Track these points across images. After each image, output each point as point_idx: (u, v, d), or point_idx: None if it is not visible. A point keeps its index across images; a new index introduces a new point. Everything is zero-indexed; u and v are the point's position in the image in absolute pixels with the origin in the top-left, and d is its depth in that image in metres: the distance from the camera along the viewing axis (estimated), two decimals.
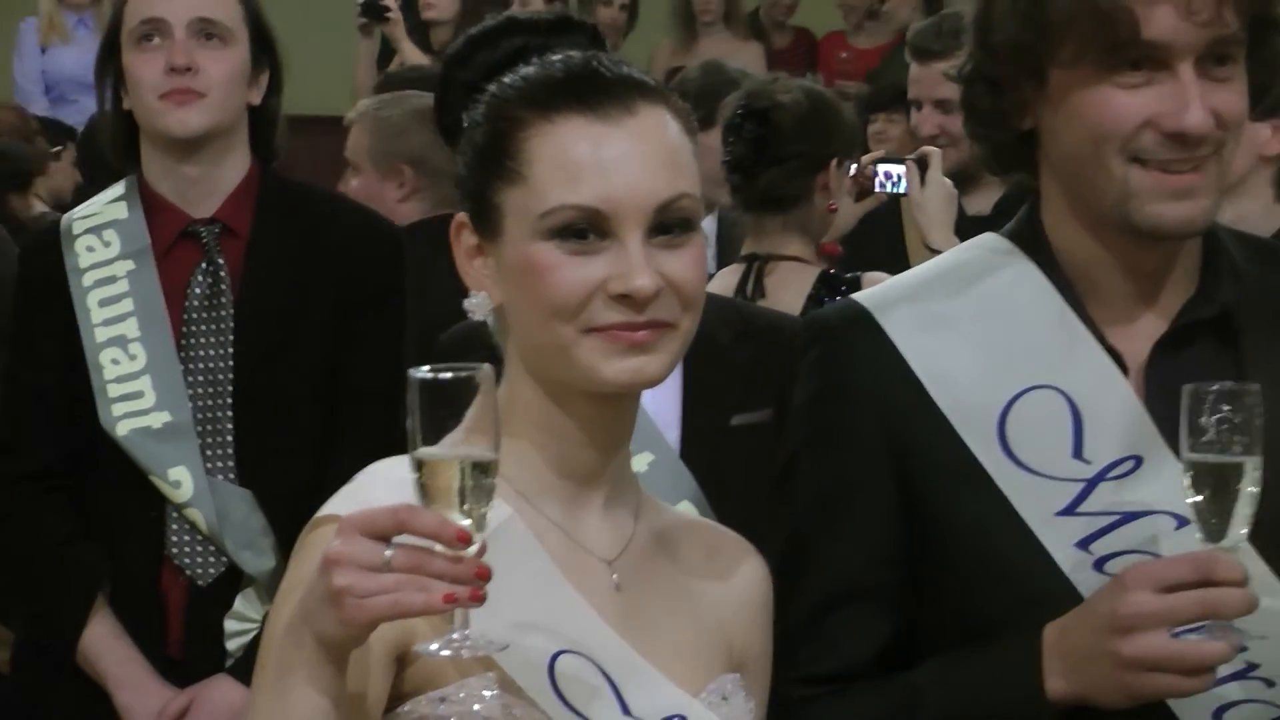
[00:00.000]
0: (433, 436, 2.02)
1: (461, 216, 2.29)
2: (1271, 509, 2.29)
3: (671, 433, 3.73)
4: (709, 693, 2.27)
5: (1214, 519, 2.19)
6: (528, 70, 2.26)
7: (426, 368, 2.04)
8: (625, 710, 2.20)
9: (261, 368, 3.94)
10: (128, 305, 3.92)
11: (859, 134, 4.99)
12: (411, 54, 8.74)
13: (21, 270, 4.07)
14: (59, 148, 7.97)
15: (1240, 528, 2.19)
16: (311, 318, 3.94)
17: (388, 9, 8.68)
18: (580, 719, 2.18)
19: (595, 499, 2.28)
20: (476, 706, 2.10)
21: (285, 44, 4.10)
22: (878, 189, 4.80)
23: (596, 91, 2.22)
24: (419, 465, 2.02)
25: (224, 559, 3.84)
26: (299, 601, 2.04)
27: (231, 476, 3.89)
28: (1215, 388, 2.19)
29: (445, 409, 2.03)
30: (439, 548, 1.97)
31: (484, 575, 1.98)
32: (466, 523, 2.00)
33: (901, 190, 4.83)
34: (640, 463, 3.49)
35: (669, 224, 2.20)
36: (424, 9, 9.01)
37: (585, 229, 2.19)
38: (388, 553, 1.96)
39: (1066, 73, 2.34)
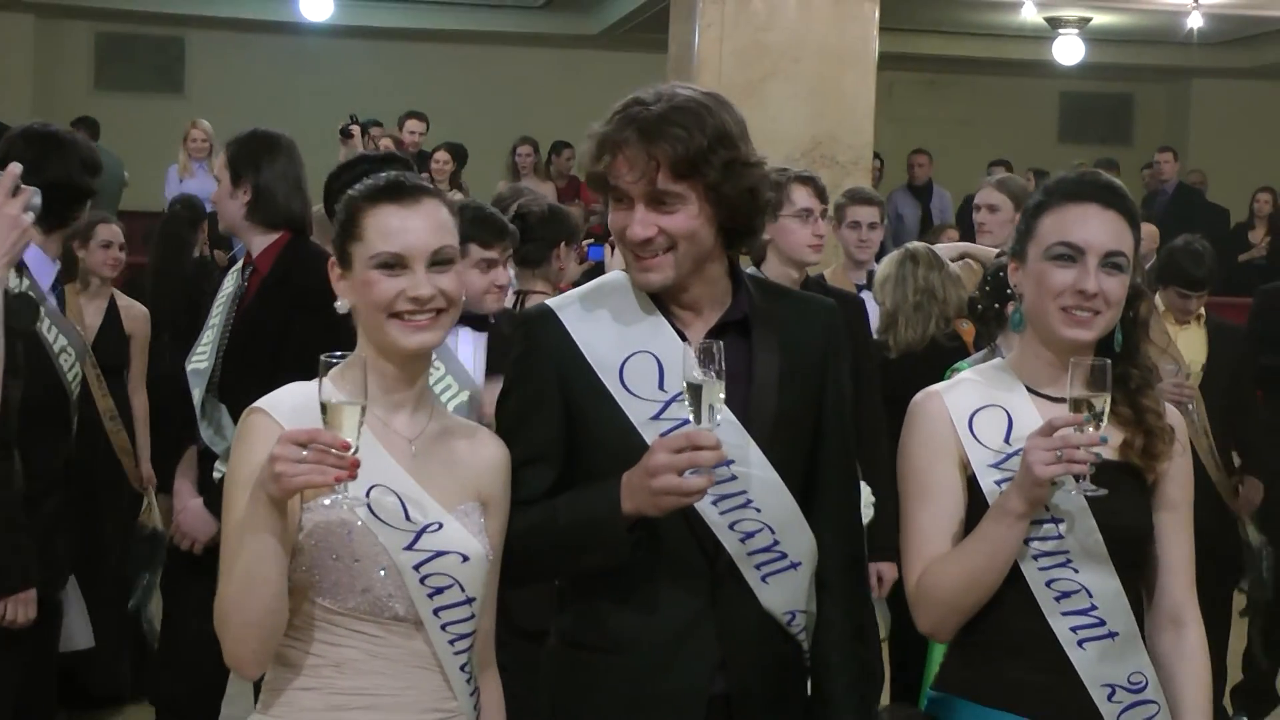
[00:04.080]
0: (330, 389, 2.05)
1: (333, 259, 2.27)
2: (769, 415, 2.32)
3: (479, 379, 3.65)
4: (457, 511, 2.22)
5: (698, 413, 2.16)
6: (366, 181, 2.26)
7: (338, 353, 2.10)
8: (407, 517, 2.15)
9: (237, 342, 3.87)
10: (222, 305, 4.00)
11: (580, 228, 4.90)
12: None
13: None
14: None
15: (712, 418, 2.15)
16: (272, 316, 3.82)
17: (352, 134, 9.05)
18: (378, 520, 2.13)
19: (405, 407, 2.24)
20: (326, 501, 2.07)
21: None
22: (590, 258, 4.77)
23: (399, 191, 2.22)
24: (325, 406, 2.03)
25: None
26: (256, 479, 2.02)
27: (215, 395, 3.89)
28: (700, 344, 2.17)
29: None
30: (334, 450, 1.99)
31: (355, 465, 1.99)
32: (351, 438, 2.00)
33: (601, 259, 4.77)
34: (462, 396, 3.49)
35: (438, 260, 2.20)
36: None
37: (393, 264, 2.19)
38: (304, 453, 1.96)
39: (608, 199, 2.37)
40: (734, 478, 2.27)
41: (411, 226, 2.21)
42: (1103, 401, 2.22)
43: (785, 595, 2.33)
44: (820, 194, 4.39)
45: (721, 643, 2.30)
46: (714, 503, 2.27)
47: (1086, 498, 2.26)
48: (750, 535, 2.30)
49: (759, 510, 2.30)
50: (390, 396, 2.23)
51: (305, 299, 3.68)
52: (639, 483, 2.18)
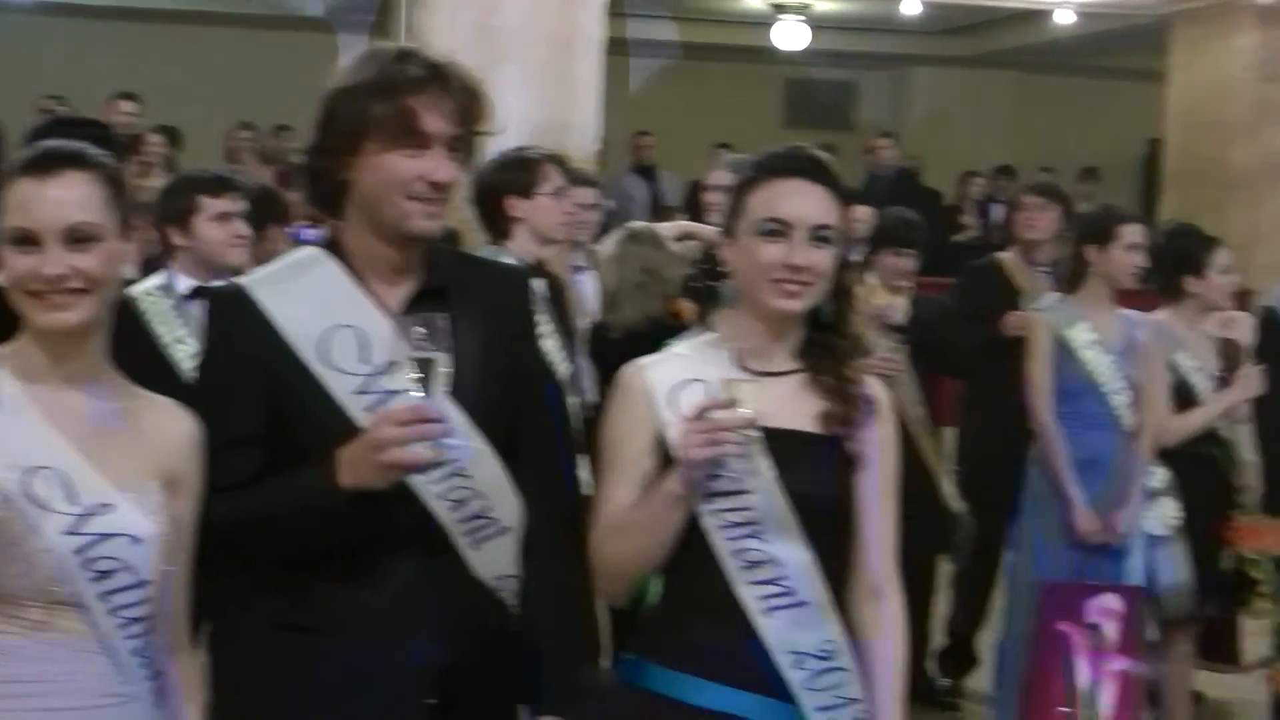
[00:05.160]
0: None
1: None
2: (473, 383, 2.30)
3: None
4: (131, 489, 2.13)
5: (423, 386, 2.18)
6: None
7: None
8: (70, 498, 2.07)
9: None
10: None
11: (292, 209, 4.80)
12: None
13: None
14: None
15: (438, 390, 2.18)
16: None
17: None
18: (35, 503, 2.05)
19: (79, 384, 2.15)
20: None
21: None
22: (301, 239, 4.66)
23: (40, 161, 2.13)
24: None
25: None
26: None
27: None
28: (419, 317, 2.19)
29: None
30: None
31: None
32: None
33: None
34: None
35: (76, 238, 2.09)
36: None
37: (23, 239, 2.09)
38: None
39: (376, 146, 2.30)
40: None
41: (44, 199, 2.09)
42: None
43: (496, 560, 2.37)
44: (567, 173, 4.53)
45: (439, 613, 2.31)
46: (424, 473, 2.28)
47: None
48: (461, 503, 2.33)
49: (469, 478, 2.33)
50: (58, 374, 2.14)
51: None
52: (362, 456, 2.19)
